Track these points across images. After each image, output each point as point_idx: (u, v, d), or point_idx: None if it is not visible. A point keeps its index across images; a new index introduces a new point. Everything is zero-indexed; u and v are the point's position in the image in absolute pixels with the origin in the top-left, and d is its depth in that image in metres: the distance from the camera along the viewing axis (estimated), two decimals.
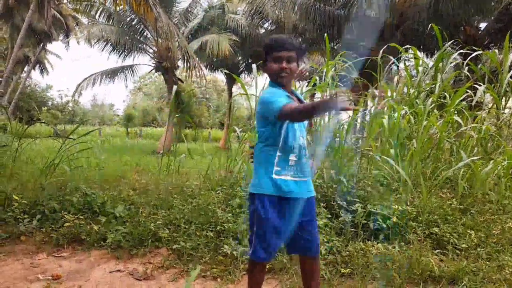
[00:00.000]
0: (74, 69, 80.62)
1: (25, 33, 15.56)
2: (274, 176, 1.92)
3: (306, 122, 2.09)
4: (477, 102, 5.17)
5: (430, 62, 5.94)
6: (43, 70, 30.75)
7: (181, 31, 16.25)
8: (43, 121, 24.07)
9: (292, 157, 1.94)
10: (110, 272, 2.75)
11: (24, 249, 3.08)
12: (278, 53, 1.94)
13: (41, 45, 25.89)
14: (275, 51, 1.95)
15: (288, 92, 2.02)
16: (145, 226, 3.28)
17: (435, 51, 10.85)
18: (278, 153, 1.93)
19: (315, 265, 2.10)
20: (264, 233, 1.94)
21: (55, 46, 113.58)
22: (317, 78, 4.96)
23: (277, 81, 1.99)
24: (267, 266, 2.77)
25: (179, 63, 15.62)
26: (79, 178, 4.57)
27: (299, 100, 2.09)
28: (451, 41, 5.71)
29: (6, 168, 4.58)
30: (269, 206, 1.92)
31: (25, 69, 28.71)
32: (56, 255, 3.02)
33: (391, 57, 5.70)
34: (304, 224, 2.00)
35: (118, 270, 2.78)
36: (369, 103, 5.54)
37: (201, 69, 15.56)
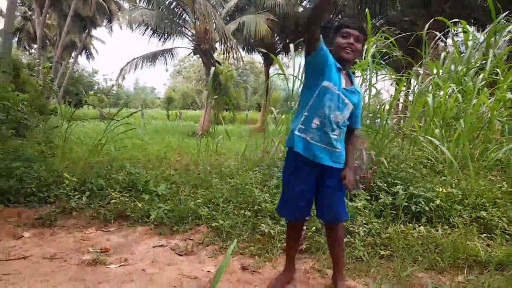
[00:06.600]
0: (118, 53, 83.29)
1: (71, 20, 16.25)
2: (297, 132, 2.07)
3: (348, 103, 2.07)
4: None
5: (481, 37, 5.52)
6: (89, 55, 32.10)
7: (218, 12, 16.22)
8: (90, 104, 25.29)
9: (316, 121, 2.02)
10: (153, 247, 2.89)
11: (75, 224, 3.30)
12: (349, 29, 2.03)
13: (86, 31, 26.96)
14: (347, 28, 2.03)
15: (345, 70, 2.09)
16: (185, 204, 3.41)
17: (487, 25, 10.08)
18: (305, 113, 2.05)
19: (335, 233, 2.20)
20: (285, 188, 2.18)
21: (99, 32, 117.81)
22: None
23: (339, 55, 2.05)
24: (305, 245, 2.80)
25: (217, 45, 15.66)
26: (124, 157, 4.78)
27: (352, 82, 2.14)
28: (506, 13, 5.24)
29: (57, 148, 4.88)
30: (291, 159, 2.12)
31: (72, 54, 30.12)
32: (104, 230, 3.21)
33: (437, 33, 5.37)
34: (325, 192, 2.11)
35: (161, 245, 2.91)
36: (413, 82, 5.29)
37: (238, 50, 15.52)
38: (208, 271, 2.49)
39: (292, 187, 2.12)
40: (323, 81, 1.99)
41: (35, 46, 27.23)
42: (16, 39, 29.22)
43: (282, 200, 2.21)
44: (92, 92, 36.98)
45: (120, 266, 2.53)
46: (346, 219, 2.26)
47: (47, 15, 22.90)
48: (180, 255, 2.76)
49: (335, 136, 2.05)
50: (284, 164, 2.22)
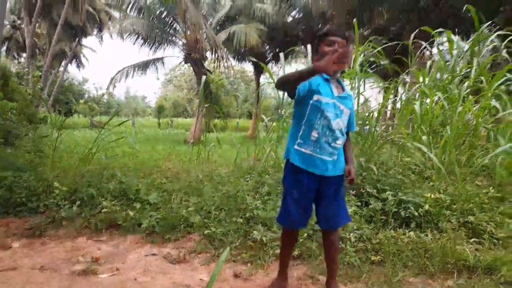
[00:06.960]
0: (108, 62, 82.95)
1: (62, 28, 16.16)
2: (296, 147, 2.12)
3: (344, 109, 2.12)
4: None
5: (466, 46, 5.65)
6: (79, 64, 31.88)
7: (209, 22, 16.33)
8: (80, 112, 25.08)
9: (314, 134, 2.05)
10: (145, 255, 2.88)
11: (66, 233, 3.27)
12: (335, 38, 2.05)
13: (77, 39, 26.84)
14: (333, 36, 2.05)
15: (334, 79, 2.13)
16: (177, 212, 3.40)
17: (472, 34, 10.30)
18: (302, 127, 2.09)
19: (330, 241, 2.26)
20: (285, 198, 2.18)
21: (89, 41, 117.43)
22: None
23: None
24: (296, 252, 2.82)
25: (208, 54, 15.73)
26: (115, 166, 4.76)
27: (343, 88, 2.18)
28: (489, 23, 5.39)
29: (47, 157, 4.83)
30: (290, 172, 2.15)
31: (62, 63, 29.89)
32: (95, 239, 3.19)
33: (423, 42, 5.50)
34: (323, 202, 2.17)
35: (153, 254, 2.90)
36: (400, 90, 5.39)
37: (229, 59, 15.62)
38: (201, 279, 2.50)
39: (289, 197, 2.15)
40: (313, 97, 2.03)
41: (24, 55, 27.00)
42: (4, 48, 28.94)
43: (281, 208, 2.24)
44: (83, 100, 36.66)
45: (111, 275, 2.52)
46: (348, 222, 2.35)
47: (37, 24, 22.74)
48: (173, 263, 2.75)
49: (338, 146, 2.10)
50: (283, 174, 2.26)
